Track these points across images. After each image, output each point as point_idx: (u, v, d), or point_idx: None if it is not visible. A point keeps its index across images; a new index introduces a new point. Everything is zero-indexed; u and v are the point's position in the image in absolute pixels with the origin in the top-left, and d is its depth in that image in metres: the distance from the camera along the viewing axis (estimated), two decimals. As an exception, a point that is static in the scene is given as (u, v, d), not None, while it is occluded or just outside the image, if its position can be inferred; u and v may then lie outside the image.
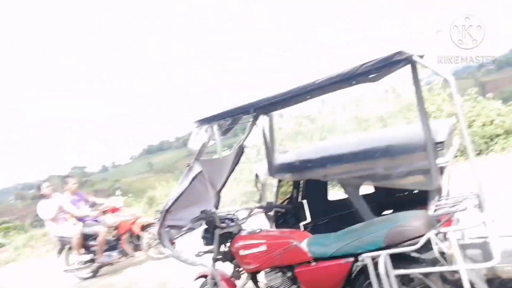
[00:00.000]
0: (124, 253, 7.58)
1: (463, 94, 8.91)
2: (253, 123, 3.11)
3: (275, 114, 3.69)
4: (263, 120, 3.30)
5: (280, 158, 3.57)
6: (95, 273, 7.73)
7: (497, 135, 7.76)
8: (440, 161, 2.53)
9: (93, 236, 7.57)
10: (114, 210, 7.97)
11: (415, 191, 3.58)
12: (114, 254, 7.57)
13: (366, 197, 3.32)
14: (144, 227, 7.61)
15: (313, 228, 3.88)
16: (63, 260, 7.85)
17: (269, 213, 3.65)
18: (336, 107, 10.51)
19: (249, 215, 3.44)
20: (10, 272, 12.70)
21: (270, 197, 3.98)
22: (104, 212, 7.86)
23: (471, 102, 8.62)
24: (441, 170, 2.57)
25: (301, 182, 3.93)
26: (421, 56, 2.31)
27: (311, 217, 3.99)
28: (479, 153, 7.69)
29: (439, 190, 2.56)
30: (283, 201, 3.95)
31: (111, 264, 7.61)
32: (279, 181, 3.81)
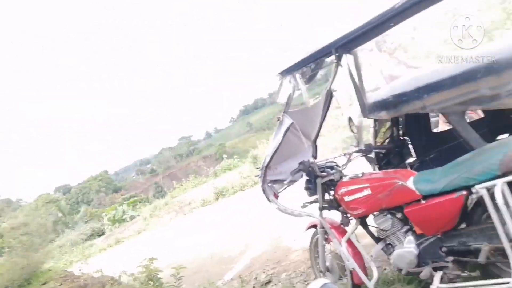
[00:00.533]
0: None
1: None
2: (337, 65, 2.97)
3: (363, 50, 3.48)
4: (347, 59, 3.12)
5: (373, 97, 3.37)
6: None
7: None
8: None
9: None
10: None
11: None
12: None
13: (474, 123, 3.02)
14: None
15: (421, 165, 3.65)
16: None
17: (370, 156, 3.52)
18: (430, 29, 9.62)
19: (348, 161, 3.34)
20: (147, 239, 14.05)
21: (369, 138, 3.83)
22: None
23: None
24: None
25: (400, 118, 3.69)
26: None
27: (416, 153, 3.76)
28: None
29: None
30: (384, 141, 3.76)
31: None
32: (375, 121, 3.63)
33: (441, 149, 3.66)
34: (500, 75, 2.40)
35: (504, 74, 2.39)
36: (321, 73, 3.51)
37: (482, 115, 3.66)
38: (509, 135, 3.15)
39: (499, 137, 3.19)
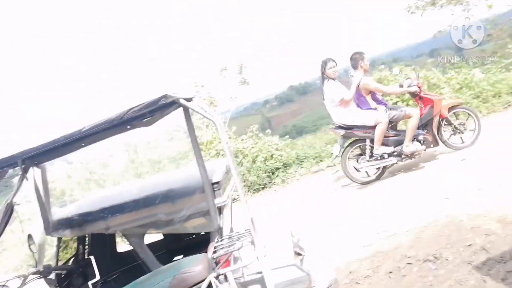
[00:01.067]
0: (428, 142, 6.36)
1: (247, 131, 9.68)
2: (23, 177, 2.76)
3: (52, 165, 3.36)
4: (34, 172, 2.96)
5: (58, 214, 3.24)
6: (380, 175, 6.49)
7: (277, 169, 8.61)
8: (217, 201, 2.63)
9: (392, 124, 6.46)
10: (420, 86, 6.56)
11: (203, 233, 3.66)
12: (417, 144, 6.30)
13: (155, 244, 3.23)
14: (450, 110, 6.51)
15: (103, 285, 3.59)
16: (345, 161, 6.47)
17: (49, 277, 3.26)
18: (128, 150, 10.25)
19: (23, 284, 3.00)
20: None
21: (51, 258, 3.58)
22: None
23: (253, 138, 9.39)
24: (220, 210, 2.66)
25: (87, 236, 3.63)
26: (190, 99, 2.38)
27: (100, 273, 3.69)
28: (264, 187, 8.39)
29: (219, 231, 2.64)
30: (67, 261, 3.58)
31: (414, 156, 6.30)
32: (59, 239, 3.45)
33: (125, 269, 3.72)
34: (175, 203, 2.72)
35: (178, 202, 2.72)
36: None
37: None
38: (183, 256, 3.48)
39: (175, 258, 3.48)
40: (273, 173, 8.58)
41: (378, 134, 6.19)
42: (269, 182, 8.44)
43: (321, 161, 8.52)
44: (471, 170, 5.37)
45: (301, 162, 8.76)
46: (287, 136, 9.81)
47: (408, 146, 6.23)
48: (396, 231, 4.31)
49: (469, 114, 6.62)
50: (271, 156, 8.73)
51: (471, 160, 5.83)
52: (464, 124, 6.57)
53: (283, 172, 8.59)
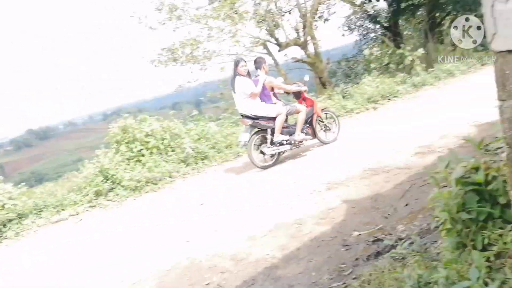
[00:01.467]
0: (309, 135, 8.18)
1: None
2: None
3: None
4: None
5: None
6: (276, 160, 7.87)
7: (10, 220, 7.65)
8: None
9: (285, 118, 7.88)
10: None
11: None
12: (303, 134, 8.04)
13: None
14: (322, 111, 8.57)
15: None
16: (250, 148, 7.60)
17: None
18: None
19: None
20: None
21: None
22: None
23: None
24: None
25: None
26: None
27: None
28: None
29: None
30: None
31: (301, 143, 8.15)
32: None
33: None
34: None
35: None
36: None
37: None
38: None
39: None
40: (4, 225, 7.60)
41: (278, 124, 7.64)
42: (0, 236, 7.45)
43: (63, 210, 7.99)
44: (208, 214, 5.96)
45: (39, 212, 8.04)
46: (24, 184, 8.84)
47: (299, 135, 7.91)
48: (140, 277, 4.38)
49: (332, 116, 8.66)
50: (3, 206, 7.73)
51: (208, 204, 6.46)
52: (331, 124, 8.64)
53: (17, 224, 7.69)
